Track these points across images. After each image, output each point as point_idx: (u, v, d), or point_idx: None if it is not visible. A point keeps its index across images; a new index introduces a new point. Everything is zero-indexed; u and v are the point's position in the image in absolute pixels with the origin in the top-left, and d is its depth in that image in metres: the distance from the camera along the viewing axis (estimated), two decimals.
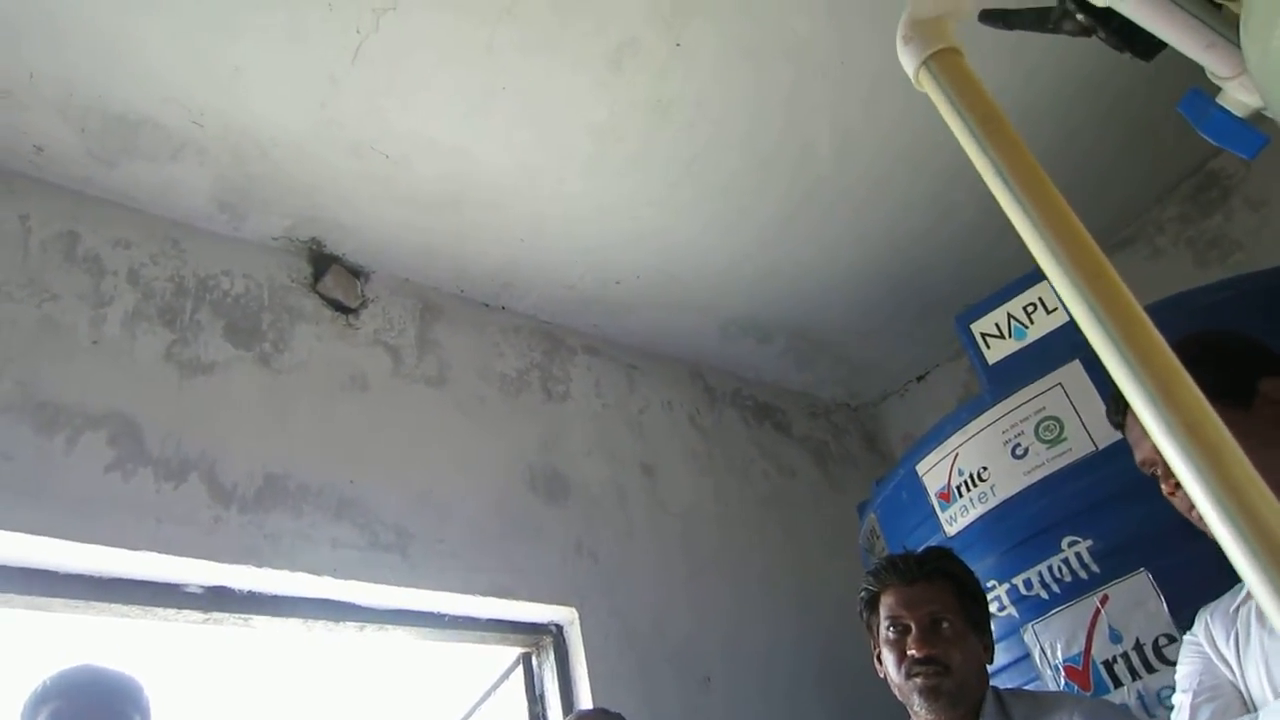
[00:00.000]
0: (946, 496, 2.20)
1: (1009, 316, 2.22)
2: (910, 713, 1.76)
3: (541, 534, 2.74)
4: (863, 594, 1.86)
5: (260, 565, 2.19)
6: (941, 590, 1.77)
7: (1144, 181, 3.21)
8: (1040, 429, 2.03)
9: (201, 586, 2.18)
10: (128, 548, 2.03)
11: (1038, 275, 2.16)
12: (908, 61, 0.88)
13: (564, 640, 2.68)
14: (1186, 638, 1.38)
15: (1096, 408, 1.93)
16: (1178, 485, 1.26)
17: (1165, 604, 1.77)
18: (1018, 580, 1.99)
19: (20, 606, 2.00)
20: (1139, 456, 1.32)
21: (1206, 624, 1.34)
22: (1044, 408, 2.04)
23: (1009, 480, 2.06)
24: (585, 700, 2.53)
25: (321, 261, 2.75)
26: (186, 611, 2.14)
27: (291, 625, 2.29)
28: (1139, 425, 0.89)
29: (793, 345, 3.65)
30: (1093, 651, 1.85)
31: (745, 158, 2.72)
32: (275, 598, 2.27)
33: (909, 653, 1.71)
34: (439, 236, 2.80)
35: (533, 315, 3.20)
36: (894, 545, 2.36)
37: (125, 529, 2.05)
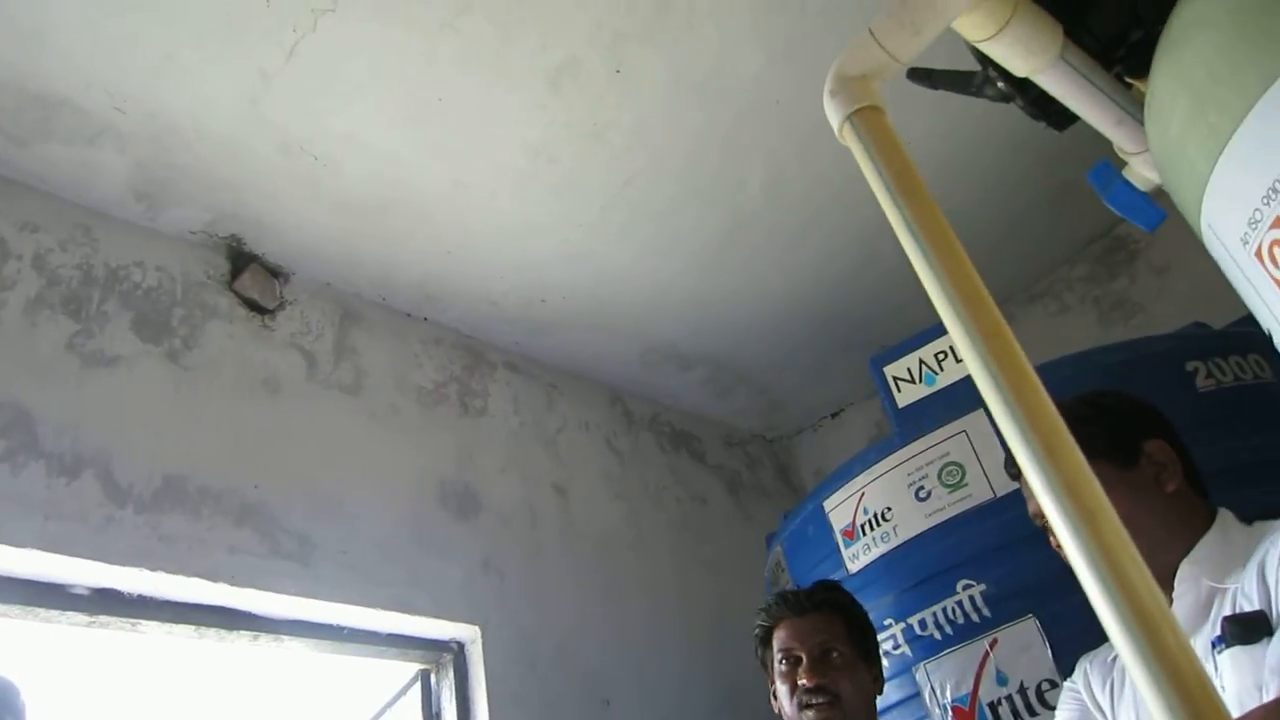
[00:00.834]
0: (851, 534, 2.24)
1: (920, 362, 2.28)
2: None
3: (449, 550, 2.70)
4: (757, 631, 1.91)
5: (153, 568, 2.11)
6: (831, 621, 1.83)
7: (1057, 239, 3.35)
8: (943, 473, 2.09)
9: (88, 588, 2.09)
10: (11, 544, 1.94)
11: None
12: (833, 115, 0.91)
13: (465, 659, 2.65)
14: (1066, 685, 1.43)
15: (997, 456, 2.00)
16: None
17: (1050, 649, 1.83)
18: (913, 620, 2.04)
19: None
20: (1030, 508, 1.37)
21: (1085, 672, 1.40)
22: (948, 453, 2.10)
23: (911, 521, 2.11)
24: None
25: (240, 259, 2.69)
26: (71, 613, 2.05)
27: (182, 632, 2.21)
28: None
29: (713, 375, 3.69)
30: (979, 693, 1.90)
31: (679, 187, 2.75)
32: (167, 602, 2.19)
33: (800, 682, 1.76)
34: (364, 242, 2.76)
35: (454, 328, 3.17)
36: (798, 579, 2.39)
37: (10, 524, 1.95)
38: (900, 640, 2.06)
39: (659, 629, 3.10)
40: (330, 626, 2.45)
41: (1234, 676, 1.05)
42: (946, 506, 2.06)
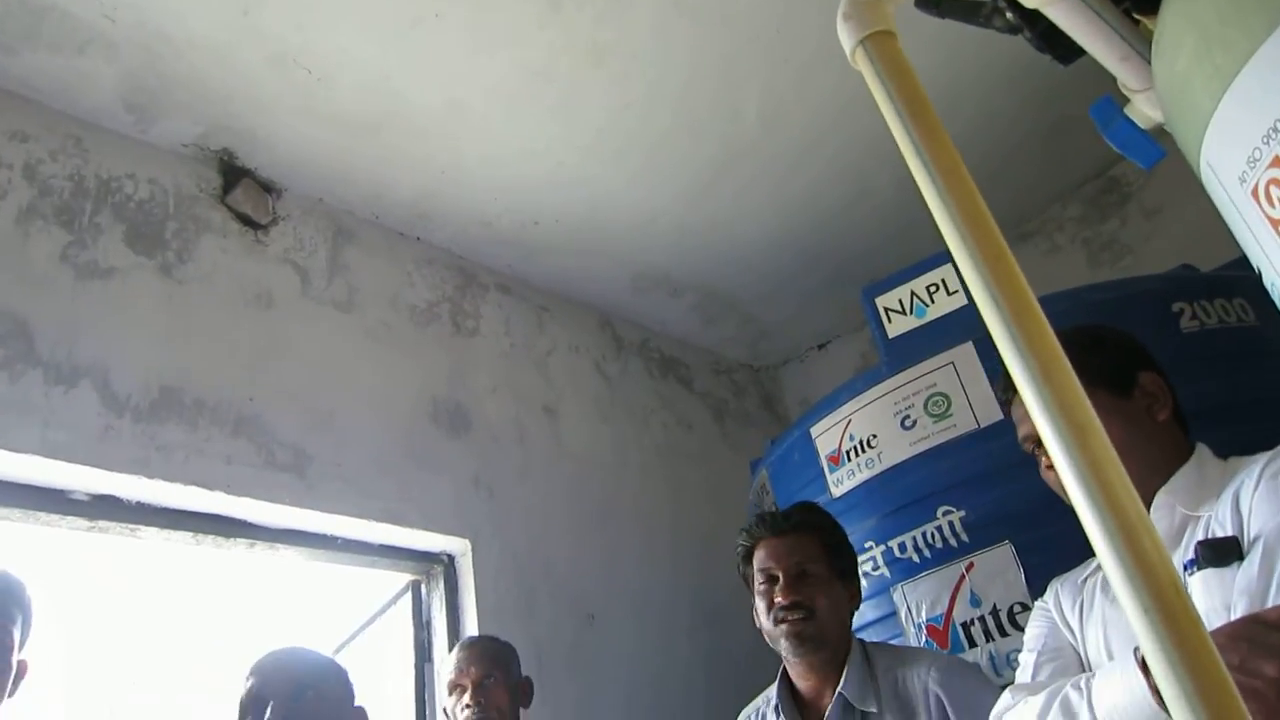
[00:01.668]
0: (836, 460, 2.30)
1: (912, 294, 2.31)
2: (784, 660, 1.88)
3: (440, 465, 2.75)
4: (738, 550, 1.98)
5: (151, 476, 2.15)
6: (808, 541, 1.89)
7: (1050, 179, 3.36)
8: (929, 403, 2.13)
9: (88, 494, 2.13)
10: (11, 450, 1.97)
11: (943, 258, 2.26)
12: (846, 39, 0.92)
13: (454, 570, 2.72)
14: (1037, 604, 1.50)
15: (983, 388, 2.04)
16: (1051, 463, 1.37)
17: (1024, 575, 1.90)
18: (893, 543, 2.11)
19: None
20: (1021, 432, 1.42)
21: (1056, 593, 1.46)
22: (935, 384, 2.15)
23: (896, 449, 2.17)
24: (472, 629, 2.57)
25: (232, 174, 2.67)
26: (71, 518, 2.09)
27: (180, 538, 2.26)
28: (1023, 405, 0.96)
29: (703, 302, 3.72)
30: (953, 614, 1.98)
31: (676, 115, 2.74)
32: (165, 510, 2.24)
33: (776, 600, 1.82)
34: (357, 159, 2.74)
35: (447, 248, 3.17)
36: (783, 502, 2.46)
37: (10, 430, 1.98)
38: (880, 562, 2.13)
39: (644, 548, 3.18)
40: (324, 536, 2.50)
41: (1204, 598, 1.10)
42: (931, 435, 2.12)
